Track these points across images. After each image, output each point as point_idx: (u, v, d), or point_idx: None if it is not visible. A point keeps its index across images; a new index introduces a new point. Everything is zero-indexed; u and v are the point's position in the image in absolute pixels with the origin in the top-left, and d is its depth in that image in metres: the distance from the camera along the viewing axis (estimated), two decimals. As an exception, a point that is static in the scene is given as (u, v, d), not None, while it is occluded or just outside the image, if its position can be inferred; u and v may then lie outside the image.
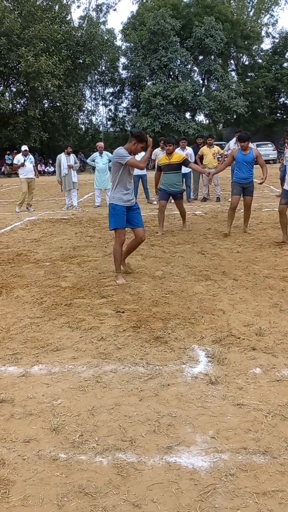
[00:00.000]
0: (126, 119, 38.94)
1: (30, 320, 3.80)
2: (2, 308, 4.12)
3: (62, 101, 31.36)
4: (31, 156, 11.40)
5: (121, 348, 3.20)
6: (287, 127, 29.39)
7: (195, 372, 2.83)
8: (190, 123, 33.43)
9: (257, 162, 6.75)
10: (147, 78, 35.74)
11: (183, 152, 10.36)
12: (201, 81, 38.02)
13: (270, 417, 2.34)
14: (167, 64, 33.69)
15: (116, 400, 2.55)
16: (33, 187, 11.37)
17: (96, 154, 11.20)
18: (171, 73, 36.02)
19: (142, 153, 5.05)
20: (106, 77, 39.55)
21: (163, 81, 34.00)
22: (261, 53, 40.56)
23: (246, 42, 38.15)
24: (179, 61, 34.93)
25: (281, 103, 40.28)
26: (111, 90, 40.69)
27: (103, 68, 38.67)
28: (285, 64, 38.27)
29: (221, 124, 41.63)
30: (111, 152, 9.29)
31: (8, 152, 30.11)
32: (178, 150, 10.41)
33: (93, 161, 11.26)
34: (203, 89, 37.23)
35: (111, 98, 41.10)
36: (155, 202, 11.17)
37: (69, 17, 35.18)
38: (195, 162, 10.79)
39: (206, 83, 38.29)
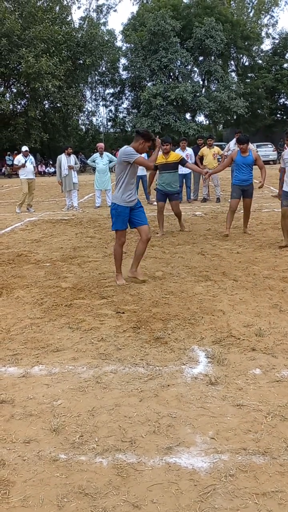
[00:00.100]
0: (127, 120, 38.99)
1: (30, 320, 3.80)
2: (2, 308, 4.12)
3: (63, 102, 31.42)
4: (31, 157, 11.42)
5: (121, 348, 3.20)
6: (287, 128, 29.33)
7: (195, 372, 2.84)
8: (190, 123, 33.49)
9: (256, 164, 6.77)
10: (147, 79, 35.81)
11: (184, 153, 10.38)
12: (201, 82, 38.11)
13: (269, 418, 2.34)
14: (167, 65, 33.75)
15: (116, 401, 2.55)
16: (33, 187, 11.38)
17: (97, 154, 11.21)
18: (171, 74, 36.10)
19: (143, 155, 5.05)
20: (106, 78, 39.62)
21: (163, 82, 34.06)
22: (261, 54, 40.65)
23: (246, 43, 38.22)
24: (179, 62, 35.00)
25: (281, 104, 40.35)
26: (111, 91, 40.85)
27: (104, 69, 38.76)
28: (285, 65, 38.33)
29: (221, 125, 41.70)
30: (111, 153, 9.28)
31: (8, 152, 30.16)
32: (178, 151, 10.47)
33: (94, 161, 11.26)
34: (203, 89, 37.33)
35: (111, 99, 41.21)
36: (155, 203, 11.16)
37: (69, 18, 35.31)
38: (195, 163, 10.79)
39: (206, 84, 38.38)
